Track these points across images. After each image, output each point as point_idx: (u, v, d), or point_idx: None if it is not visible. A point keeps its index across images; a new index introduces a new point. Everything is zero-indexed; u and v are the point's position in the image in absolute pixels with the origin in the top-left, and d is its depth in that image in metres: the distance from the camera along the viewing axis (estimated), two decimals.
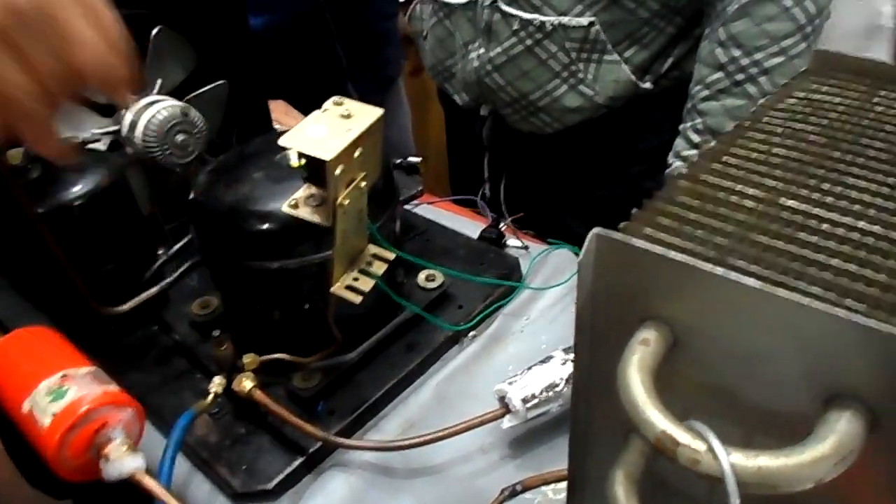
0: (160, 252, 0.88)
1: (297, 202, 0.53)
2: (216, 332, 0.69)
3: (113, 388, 0.43)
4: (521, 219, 0.95)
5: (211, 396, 0.68)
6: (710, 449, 0.28)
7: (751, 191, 0.37)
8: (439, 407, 0.72)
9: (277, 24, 1.39)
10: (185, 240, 0.82)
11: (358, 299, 0.56)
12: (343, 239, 0.54)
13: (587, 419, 0.41)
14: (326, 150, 0.48)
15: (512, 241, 0.93)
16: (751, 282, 0.29)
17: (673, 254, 0.31)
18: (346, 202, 0.51)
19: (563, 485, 0.63)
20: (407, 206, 0.97)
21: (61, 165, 0.79)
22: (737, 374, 0.32)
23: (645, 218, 0.36)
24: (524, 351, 0.79)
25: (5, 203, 0.74)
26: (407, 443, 0.65)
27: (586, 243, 0.34)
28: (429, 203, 1.02)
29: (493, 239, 0.93)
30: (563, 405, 0.67)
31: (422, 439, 0.65)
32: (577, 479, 0.45)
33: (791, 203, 0.35)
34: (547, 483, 0.59)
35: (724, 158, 0.39)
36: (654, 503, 0.39)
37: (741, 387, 0.32)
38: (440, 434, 0.65)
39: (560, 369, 0.67)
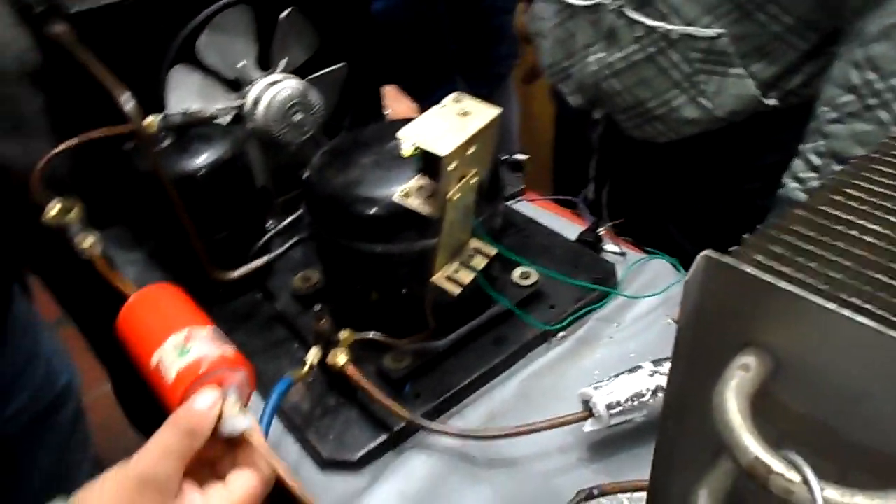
0: (270, 224, 0.93)
1: (408, 192, 0.56)
2: (317, 307, 0.72)
3: (230, 349, 0.47)
4: (621, 225, 0.95)
5: (307, 367, 0.71)
6: (805, 481, 0.28)
7: (872, 226, 0.36)
8: (522, 403, 0.74)
9: (392, 9, 1.42)
10: (295, 215, 0.86)
11: (457, 290, 0.58)
12: (449, 231, 0.56)
13: (675, 435, 0.41)
14: (443, 146, 0.50)
15: (609, 247, 0.93)
16: (864, 321, 0.29)
17: (784, 284, 0.31)
18: (456, 196, 0.53)
19: (639, 495, 0.63)
20: (507, 202, 0.98)
21: (190, 136, 0.85)
22: (839, 410, 0.32)
23: (757, 244, 0.36)
24: (612, 357, 0.79)
25: (140, 170, 0.81)
26: (489, 433, 0.66)
27: (695, 264, 0.34)
28: (529, 200, 1.03)
29: (590, 242, 0.93)
30: (646, 416, 0.67)
31: (504, 432, 0.66)
32: (657, 493, 0.45)
33: None
34: (624, 491, 0.60)
35: (847, 190, 0.39)
36: None
37: (842, 423, 0.32)
38: (522, 429, 0.66)
39: (647, 380, 0.67)
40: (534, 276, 0.83)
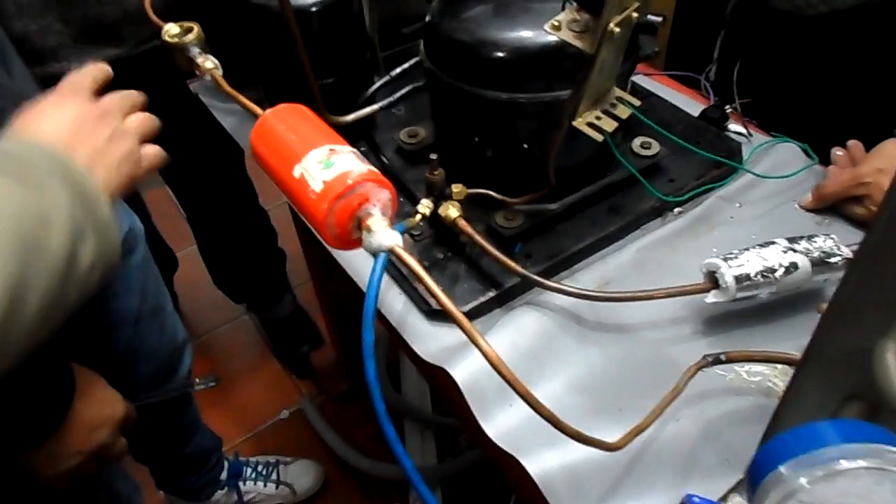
0: (376, 78, 0.90)
1: (560, 24, 0.51)
2: (433, 156, 0.70)
3: (374, 168, 0.45)
4: (748, 106, 0.88)
5: (419, 216, 0.70)
6: None
7: None
8: (635, 272, 0.71)
9: None
10: (408, 63, 0.83)
11: (600, 137, 0.55)
12: (599, 71, 0.52)
13: (861, 286, 0.38)
14: None
15: (734, 127, 0.87)
16: None
17: None
18: (617, 30, 0.48)
19: (758, 367, 0.61)
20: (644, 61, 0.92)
21: None
22: None
23: None
24: (731, 237, 0.75)
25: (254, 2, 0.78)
26: (604, 295, 0.64)
27: None
28: (647, 74, 0.97)
29: (715, 119, 0.87)
30: (773, 293, 0.64)
31: (620, 295, 0.64)
32: (817, 351, 0.43)
33: None
34: (752, 360, 0.57)
35: None
36: None
37: None
38: (640, 294, 0.64)
39: (781, 256, 0.63)
40: (655, 147, 0.79)
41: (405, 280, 0.72)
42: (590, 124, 0.55)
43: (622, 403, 0.60)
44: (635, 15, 0.50)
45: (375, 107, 0.79)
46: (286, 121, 0.49)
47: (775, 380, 0.61)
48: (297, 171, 0.45)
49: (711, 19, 1.01)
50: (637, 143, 0.79)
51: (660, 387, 0.59)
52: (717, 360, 0.57)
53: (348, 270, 0.75)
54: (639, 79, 0.95)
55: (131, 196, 1.47)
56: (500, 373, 0.41)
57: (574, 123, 0.55)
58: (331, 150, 0.45)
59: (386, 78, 0.84)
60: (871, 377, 0.35)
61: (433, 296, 0.44)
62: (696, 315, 0.67)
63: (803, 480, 0.29)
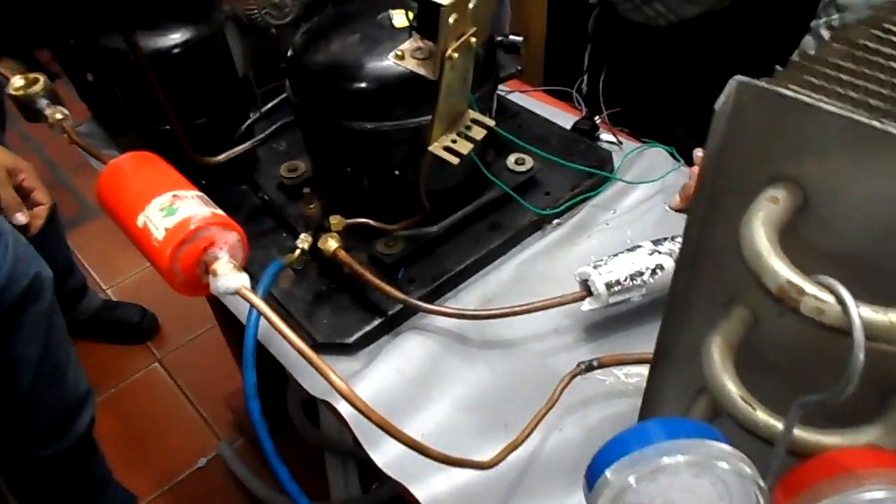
0: (252, 114, 0.89)
1: (403, 53, 0.52)
2: (307, 190, 0.70)
3: (219, 211, 0.44)
4: (617, 115, 0.92)
5: (298, 251, 0.69)
6: (840, 299, 0.27)
7: None
8: (518, 286, 0.73)
9: None
10: (279, 98, 0.82)
11: (455, 160, 0.56)
12: (447, 95, 0.53)
13: (688, 285, 0.40)
14: None
15: (605, 136, 0.91)
16: None
17: (827, 103, 0.29)
18: (456, 55, 0.50)
19: (635, 369, 0.63)
20: (500, 91, 0.94)
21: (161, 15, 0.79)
22: (873, 241, 0.30)
23: (790, 76, 0.33)
24: (608, 243, 0.77)
25: (111, 48, 0.76)
26: (485, 313, 0.65)
27: (726, 91, 0.32)
28: (522, 91, 0.99)
29: (586, 131, 0.90)
30: (644, 295, 0.66)
31: (500, 311, 0.65)
32: (665, 349, 0.44)
33: None
34: (623, 363, 0.59)
35: (887, 25, 0.36)
36: (747, 377, 0.38)
37: (876, 256, 0.30)
38: (518, 308, 0.65)
39: (647, 259, 0.66)
40: (529, 162, 0.81)
41: (291, 316, 0.71)
42: (446, 148, 0.56)
43: (508, 418, 0.61)
44: (474, 40, 0.52)
45: (247, 144, 0.78)
46: (130, 170, 0.48)
47: None
48: (140, 220, 0.44)
49: (579, 34, 1.05)
50: (512, 159, 0.81)
51: (543, 399, 0.61)
52: (590, 367, 0.59)
53: (235, 312, 0.74)
54: (515, 96, 0.98)
55: (54, 241, 1.42)
56: (353, 405, 0.41)
57: (430, 149, 0.56)
58: (174, 196, 0.44)
59: (257, 115, 0.84)
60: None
61: (282, 334, 0.43)
62: (576, 323, 0.69)
63: (631, 479, 0.30)
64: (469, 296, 0.72)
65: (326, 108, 0.69)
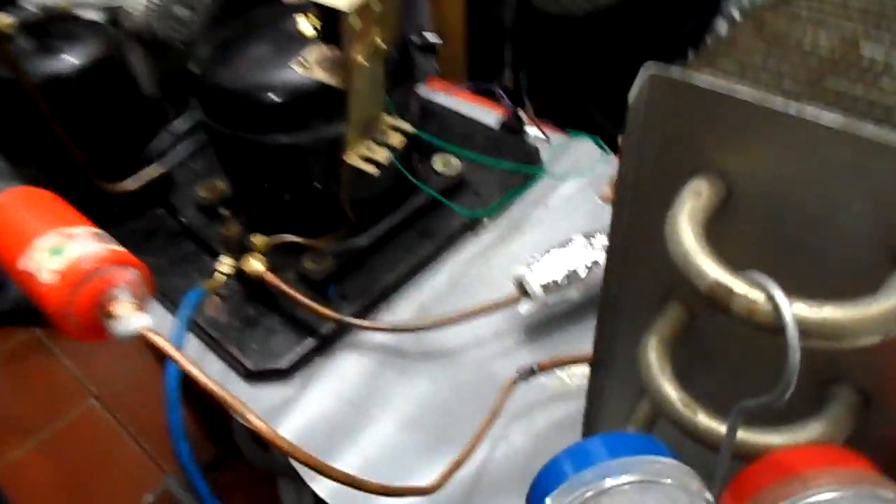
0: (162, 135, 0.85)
1: (308, 62, 0.49)
2: (224, 212, 0.66)
3: (117, 247, 0.41)
4: (542, 109, 0.91)
5: (219, 276, 0.66)
6: (771, 298, 0.25)
7: (825, 35, 0.33)
8: (453, 292, 0.70)
9: None
10: (183, 118, 0.78)
11: (373, 170, 0.53)
12: (358, 102, 0.50)
13: (620, 284, 0.38)
14: (345, 2, 0.44)
15: (532, 131, 0.89)
16: (830, 119, 0.25)
17: (741, 90, 0.27)
18: (363, 60, 0.47)
19: (578, 369, 0.62)
20: (423, 93, 0.92)
21: (53, 35, 0.74)
22: (798, 229, 0.29)
23: (703, 61, 0.32)
24: (542, 240, 0.76)
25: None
26: (421, 324, 0.63)
27: (637, 83, 0.30)
28: (444, 91, 0.97)
29: (512, 128, 0.89)
30: (582, 292, 0.65)
31: (436, 321, 0.63)
32: (603, 352, 0.43)
33: (871, 48, 0.32)
34: (563, 364, 0.58)
35: (795, 6, 0.35)
36: (688, 375, 0.37)
37: (802, 244, 0.29)
38: (455, 316, 0.63)
39: (581, 254, 0.65)
40: (455, 164, 0.79)
41: (219, 344, 0.67)
42: (363, 157, 0.54)
43: (453, 433, 0.59)
44: (382, 44, 0.49)
45: (157, 166, 0.74)
46: (12, 209, 0.44)
47: None
48: (23, 263, 0.40)
49: (498, 29, 1.04)
50: (438, 162, 0.79)
51: (486, 408, 0.59)
52: (529, 373, 0.57)
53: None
54: (438, 97, 0.96)
55: None
56: (275, 445, 0.38)
57: (346, 159, 0.53)
58: (64, 234, 0.40)
59: (166, 138, 0.79)
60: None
61: (190, 375, 0.40)
62: (515, 326, 0.67)
63: None
64: (404, 306, 0.69)
65: (237, 124, 0.66)
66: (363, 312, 0.68)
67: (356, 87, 0.48)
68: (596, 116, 0.94)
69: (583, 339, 0.66)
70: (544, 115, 0.91)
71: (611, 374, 0.43)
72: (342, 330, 0.67)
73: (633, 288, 0.38)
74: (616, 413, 0.45)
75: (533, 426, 0.59)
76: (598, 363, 0.43)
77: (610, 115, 0.95)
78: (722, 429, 0.31)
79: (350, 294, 0.69)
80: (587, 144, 0.87)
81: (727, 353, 0.36)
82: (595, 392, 0.46)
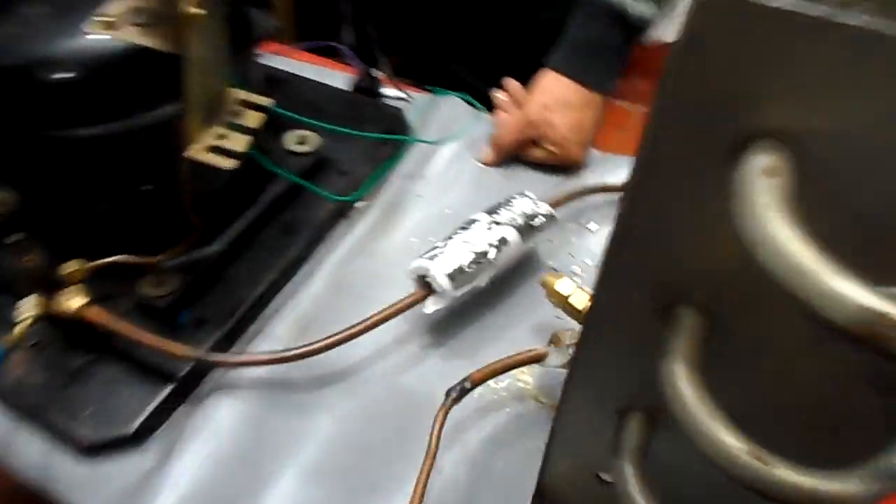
0: None
1: (112, 19, 0.34)
2: (14, 238, 0.49)
3: None
4: (399, 66, 0.79)
5: (22, 325, 0.49)
6: None
7: None
8: (337, 297, 0.58)
9: None
10: None
11: (231, 164, 0.39)
12: (197, 71, 0.36)
13: (618, 291, 0.29)
14: None
15: (390, 92, 0.78)
16: None
17: (851, 14, 0.18)
18: (201, 12, 0.33)
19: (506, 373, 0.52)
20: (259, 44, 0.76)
21: None
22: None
23: None
24: (426, 219, 0.66)
25: None
26: (306, 349, 0.50)
27: (689, 13, 0.20)
28: (280, 54, 0.82)
29: (368, 90, 0.76)
30: (491, 277, 0.56)
31: (325, 342, 0.51)
32: (580, 370, 0.34)
33: None
34: (496, 374, 0.48)
35: None
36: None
37: None
38: (351, 332, 0.51)
39: (487, 234, 0.55)
40: (314, 139, 0.65)
41: (36, 413, 0.50)
42: (213, 148, 0.40)
43: (373, 476, 0.48)
44: None
45: None
46: None
47: (524, 377, 0.53)
48: None
49: None
50: (291, 139, 0.65)
51: (408, 438, 0.48)
52: (463, 393, 0.47)
53: None
54: (274, 61, 0.81)
55: None
56: None
57: (191, 154, 0.39)
58: None
59: None
60: (654, 391, 0.26)
61: None
62: (419, 328, 0.57)
63: None
64: (281, 325, 0.56)
65: (14, 116, 0.48)
66: (229, 340, 0.55)
67: (194, 49, 0.34)
68: (459, 72, 0.84)
69: (496, 330, 0.57)
70: (403, 73, 0.80)
71: (592, 392, 0.35)
72: (205, 369, 0.53)
73: (633, 295, 0.28)
74: (591, 432, 0.37)
75: (466, 450, 0.49)
76: (575, 380, 0.34)
77: (472, 69, 0.86)
78: (816, 483, 0.22)
79: (209, 318, 0.55)
80: (455, 103, 0.77)
81: (757, 368, 0.28)
82: (568, 411, 0.37)
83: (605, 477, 0.41)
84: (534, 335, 0.56)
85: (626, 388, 0.33)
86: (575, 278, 0.61)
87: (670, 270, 0.27)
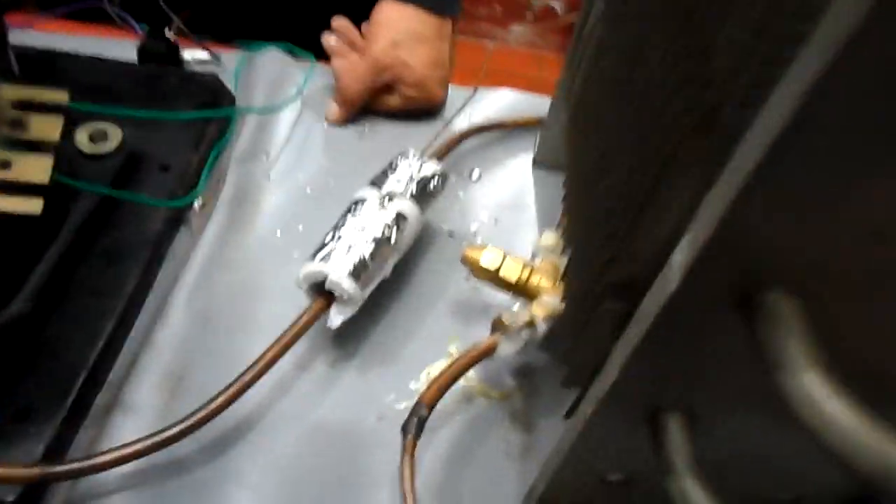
0: None
1: None
2: None
3: None
4: (192, 20, 0.63)
5: None
6: None
7: None
8: (206, 331, 0.45)
9: None
10: None
11: (34, 205, 0.25)
12: None
13: (697, 286, 0.21)
14: None
15: (192, 55, 0.62)
16: None
17: None
18: None
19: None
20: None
21: None
22: None
23: None
24: (285, 204, 0.54)
25: None
26: (190, 422, 0.37)
27: None
28: (29, 27, 0.63)
29: (161, 56, 0.60)
30: (395, 263, 0.46)
31: (214, 405, 0.38)
32: (613, 377, 0.26)
33: None
34: (448, 387, 0.39)
35: None
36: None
37: None
38: (241, 382, 0.39)
39: (381, 214, 0.45)
40: (114, 134, 0.50)
41: None
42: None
43: None
44: None
45: None
46: None
47: (469, 374, 0.44)
48: None
49: None
50: (83, 137, 0.49)
51: (350, 485, 0.38)
52: (420, 425, 0.37)
53: None
54: (23, 37, 0.61)
55: None
56: None
57: None
58: None
59: None
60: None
61: None
62: (321, 342, 0.46)
63: None
64: (141, 387, 0.42)
65: None
66: (70, 426, 0.40)
67: None
68: (268, 16, 0.70)
69: (413, 323, 0.47)
70: (196, 31, 0.64)
71: (626, 404, 0.27)
72: (42, 483, 0.38)
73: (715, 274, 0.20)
74: (598, 444, 0.29)
75: (431, 480, 0.40)
76: (605, 390, 0.26)
77: (282, 16, 0.72)
78: None
79: (36, 406, 0.39)
80: (276, 56, 0.64)
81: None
82: (583, 430, 0.29)
83: (612, 477, 0.35)
84: (454, 317, 0.48)
85: (660, 387, 0.26)
86: (478, 239, 0.53)
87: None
